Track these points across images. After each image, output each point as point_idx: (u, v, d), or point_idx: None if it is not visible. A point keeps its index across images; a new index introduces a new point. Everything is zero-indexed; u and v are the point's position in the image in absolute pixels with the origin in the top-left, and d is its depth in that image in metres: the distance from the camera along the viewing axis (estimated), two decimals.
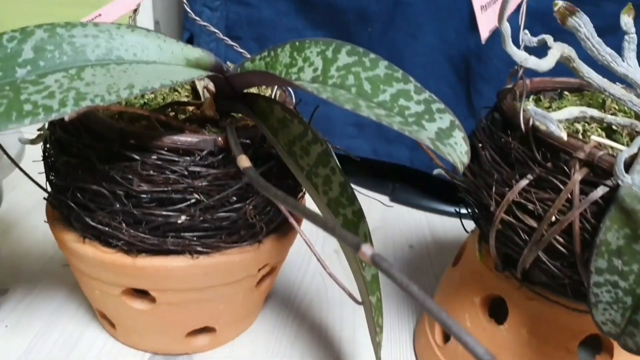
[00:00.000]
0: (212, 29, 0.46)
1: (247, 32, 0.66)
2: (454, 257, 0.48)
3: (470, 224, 0.44)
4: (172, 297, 0.40)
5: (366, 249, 0.23)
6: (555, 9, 0.34)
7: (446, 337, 0.44)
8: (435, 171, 0.46)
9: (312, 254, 0.53)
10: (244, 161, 0.30)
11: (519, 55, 0.30)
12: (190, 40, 0.67)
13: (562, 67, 0.35)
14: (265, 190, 0.27)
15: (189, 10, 0.48)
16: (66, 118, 0.29)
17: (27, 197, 0.63)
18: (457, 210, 0.44)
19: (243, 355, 0.46)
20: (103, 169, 0.35)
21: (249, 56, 0.47)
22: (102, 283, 0.40)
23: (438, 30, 0.62)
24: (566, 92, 0.43)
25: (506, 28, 0.29)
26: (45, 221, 0.42)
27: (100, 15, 0.44)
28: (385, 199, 0.70)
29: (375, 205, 0.63)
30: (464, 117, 0.63)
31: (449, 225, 0.66)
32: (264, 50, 0.36)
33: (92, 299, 0.44)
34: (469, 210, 0.41)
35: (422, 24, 0.62)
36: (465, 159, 0.28)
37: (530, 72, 0.35)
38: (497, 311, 0.42)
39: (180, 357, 0.45)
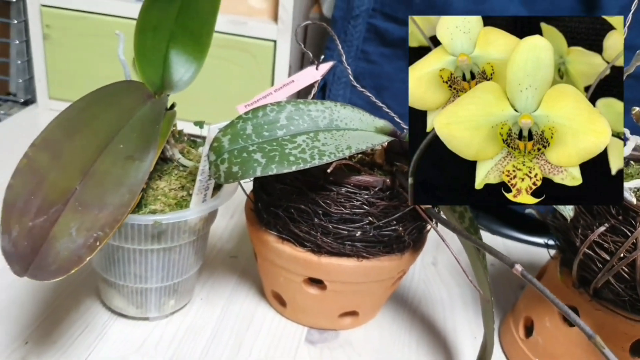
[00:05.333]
0: (367, 92, 0.63)
1: (369, 82, 0.83)
2: (532, 272, 0.63)
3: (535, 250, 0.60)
4: (338, 287, 0.57)
5: (518, 267, 0.40)
6: (633, 112, 0.49)
7: (528, 332, 0.60)
8: (527, 210, 0.62)
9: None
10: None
11: None
12: (323, 87, 0.84)
13: None
14: (458, 232, 0.43)
15: (347, 67, 0.64)
16: (328, 170, 0.46)
17: None
18: (546, 242, 0.59)
19: (373, 334, 0.62)
20: (311, 195, 0.52)
21: (380, 104, 0.64)
22: (290, 272, 0.57)
23: None
24: (632, 162, 0.58)
25: None
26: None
27: (293, 81, 0.61)
28: None
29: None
30: None
31: (522, 250, 0.82)
32: None
33: (273, 284, 0.61)
34: (556, 243, 0.57)
35: None
36: (572, 214, 0.44)
37: None
38: None
39: (330, 332, 0.62)
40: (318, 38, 0.98)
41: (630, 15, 0.48)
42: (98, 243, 0.41)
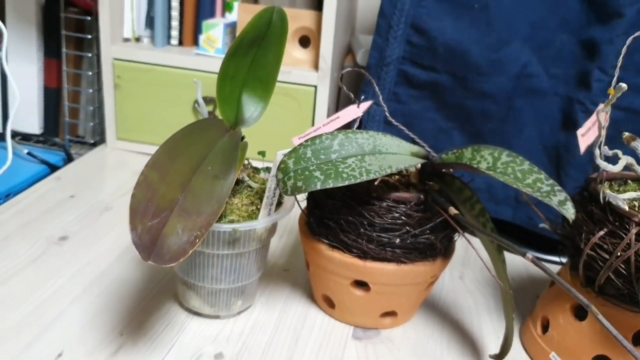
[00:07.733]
0: (401, 127, 0.74)
1: (399, 120, 0.94)
2: (547, 283, 0.73)
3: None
4: (380, 289, 0.67)
5: (529, 255, 0.50)
6: (624, 137, 0.60)
7: (544, 330, 0.69)
8: (541, 225, 0.72)
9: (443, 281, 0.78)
10: (453, 210, 0.57)
11: (603, 165, 0.56)
12: (359, 125, 0.96)
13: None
14: (482, 232, 0.54)
15: (383, 106, 0.76)
16: (375, 183, 0.57)
17: None
18: (560, 260, 0.69)
19: (410, 333, 0.72)
20: (358, 209, 0.63)
21: (412, 135, 0.75)
22: (338, 276, 0.68)
23: (537, 127, 0.88)
24: (630, 181, 0.68)
25: (600, 162, 0.55)
26: None
27: (339, 117, 0.73)
28: None
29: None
30: None
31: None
32: (451, 149, 0.64)
33: (324, 288, 0.71)
34: (565, 250, 0.67)
35: (526, 122, 0.89)
36: (573, 216, 0.54)
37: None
38: (580, 312, 0.66)
39: (373, 330, 0.72)
40: (352, 82, 1.11)
41: (621, 57, 0.59)
42: (197, 240, 0.53)
